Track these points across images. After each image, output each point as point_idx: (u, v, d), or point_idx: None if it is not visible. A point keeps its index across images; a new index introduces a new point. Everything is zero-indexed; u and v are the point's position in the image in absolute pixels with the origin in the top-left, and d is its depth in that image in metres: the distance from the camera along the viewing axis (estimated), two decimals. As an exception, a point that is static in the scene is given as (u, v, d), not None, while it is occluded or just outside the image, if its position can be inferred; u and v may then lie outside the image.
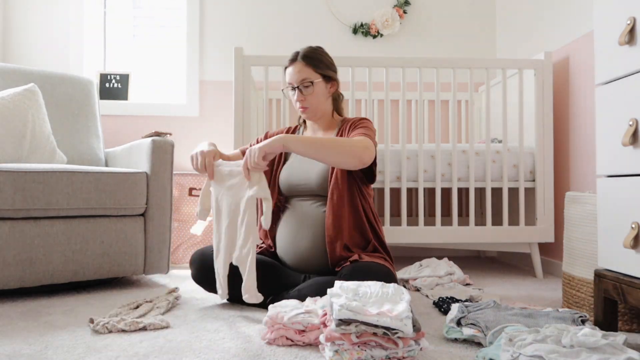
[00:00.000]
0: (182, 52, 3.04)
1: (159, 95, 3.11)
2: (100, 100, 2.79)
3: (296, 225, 1.65)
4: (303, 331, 1.23)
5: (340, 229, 1.57)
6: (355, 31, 3.01)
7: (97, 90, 2.59)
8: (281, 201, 1.75)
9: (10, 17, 2.93)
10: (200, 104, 3.00)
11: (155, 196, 2.00)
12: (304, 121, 1.84)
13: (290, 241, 1.64)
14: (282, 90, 1.74)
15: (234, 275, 1.51)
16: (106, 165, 2.45)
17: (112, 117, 2.93)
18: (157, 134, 2.10)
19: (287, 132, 1.83)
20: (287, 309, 1.28)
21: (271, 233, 1.71)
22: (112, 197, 1.88)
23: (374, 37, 3.01)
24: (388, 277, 1.44)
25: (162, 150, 2.03)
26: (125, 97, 2.98)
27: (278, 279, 1.60)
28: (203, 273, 1.65)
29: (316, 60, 1.69)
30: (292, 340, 1.23)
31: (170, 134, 2.15)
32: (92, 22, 3.02)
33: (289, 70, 1.70)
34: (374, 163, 1.63)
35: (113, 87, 2.98)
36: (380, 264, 1.52)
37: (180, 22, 3.07)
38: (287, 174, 1.71)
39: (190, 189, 2.66)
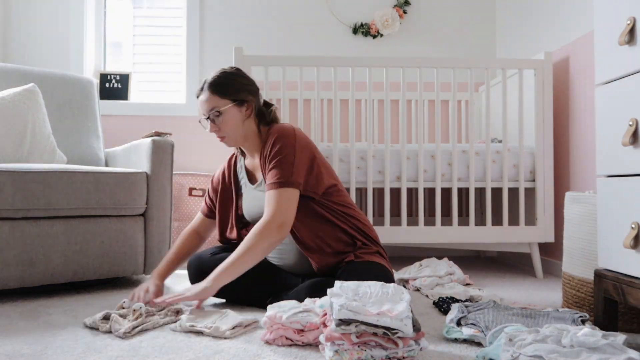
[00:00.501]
0: (182, 52, 3.04)
1: (159, 95, 3.11)
2: (100, 100, 2.79)
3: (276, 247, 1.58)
4: (302, 331, 1.23)
5: (315, 242, 1.53)
6: (355, 31, 3.01)
7: (97, 90, 2.59)
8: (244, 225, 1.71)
9: (10, 17, 2.93)
10: (200, 104, 2.99)
11: (155, 196, 2.00)
12: (239, 148, 1.74)
13: (278, 258, 1.64)
14: (199, 121, 1.64)
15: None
16: (106, 165, 2.45)
17: (112, 117, 2.93)
18: (157, 134, 2.10)
19: (229, 165, 1.76)
20: (285, 308, 1.28)
21: None
22: (112, 197, 1.88)
23: (374, 37, 3.01)
24: (384, 275, 1.44)
25: (162, 150, 2.03)
26: (125, 97, 2.98)
27: (276, 280, 1.60)
28: (201, 276, 1.62)
29: (223, 87, 1.58)
30: (291, 340, 1.23)
31: (170, 134, 2.15)
32: (92, 22, 3.02)
33: (199, 101, 1.62)
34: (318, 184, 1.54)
35: (113, 87, 2.98)
36: (376, 262, 1.51)
37: (180, 22, 3.07)
38: (246, 210, 1.66)
39: (190, 189, 2.67)
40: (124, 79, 3.00)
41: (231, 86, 1.60)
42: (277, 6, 3.03)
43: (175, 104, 3.00)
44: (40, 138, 2.06)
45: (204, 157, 2.98)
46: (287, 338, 1.23)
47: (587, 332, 1.05)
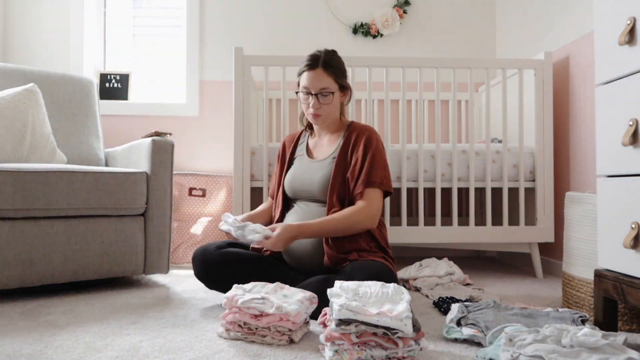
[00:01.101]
0: (182, 52, 3.04)
1: (159, 95, 3.11)
2: (100, 100, 2.79)
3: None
4: (259, 316, 1.25)
5: (337, 241, 1.59)
6: (355, 31, 3.01)
7: (97, 90, 2.59)
8: (286, 201, 1.78)
9: (10, 17, 2.93)
10: (200, 104, 3.00)
11: (155, 196, 2.00)
12: (309, 125, 1.84)
13: (293, 245, 1.64)
14: (297, 92, 1.71)
15: (235, 276, 1.52)
16: (106, 165, 2.45)
17: (112, 117, 2.93)
18: (157, 134, 2.10)
19: (296, 139, 1.87)
20: (243, 291, 1.31)
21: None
22: (112, 197, 1.88)
23: (374, 37, 3.01)
24: (388, 275, 1.44)
25: (162, 150, 2.03)
26: (125, 97, 2.98)
27: (277, 275, 1.60)
28: (205, 269, 1.64)
29: (337, 70, 1.67)
30: (245, 327, 1.25)
31: (170, 134, 2.15)
32: (92, 22, 3.02)
33: (308, 75, 1.66)
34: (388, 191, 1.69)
35: (113, 87, 2.98)
36: (380, 262, 1.52)
37: (180, 22, 3.07)
38: (291, 179, 1.75)
39: (190, 189, 2.66)
40: (124, 79, 3.00)
41: (341, 71, 1.70)
42: (277, 6, 3.02)
43: (175, 104, 3.00)
44: (40, 138, 2.06)
45: (204, 157, 2.98)
46: (240, 326, 1.26)
47: (587, 332, 1.05)
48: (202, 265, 1.65)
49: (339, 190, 1.63)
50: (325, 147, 1.77)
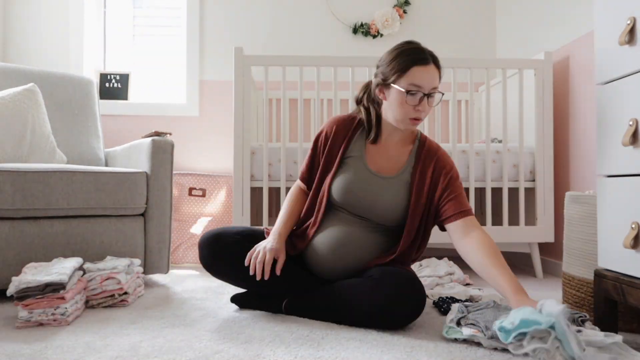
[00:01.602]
0: (182, 52, 3.04)
1: (159, 95, 3.11)
2: (100, 100, 2.79)
3: (341, 240, 1.47)
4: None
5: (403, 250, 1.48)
6: (355, 31, 3.01)
7: (97, 90, 2.59)
8: (328, 204, 1.53)
9: (10, 17, 2.93)
10: (200, 104, 3.00)
11: (155, 196, 2.00)
12: (375, 123, 1.53)
13: (327, 253, 1.48)
14: (407, 92, 1.40)
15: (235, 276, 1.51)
16: (106, 165, 2.45)
17: (112, 117, 2.93)
18: (157, 133, 2.10)
19: (351, 133, 1.55)
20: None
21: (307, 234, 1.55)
22: (112, 197, 1.88)
23: (374, 37, 3.01)
24: (414, 282, 1.39)
25: (162, 150, 2.03)
26: (125, 97, 2.98)
27: (295, 282, 1.51)
28: (218, 250, 1.50)
29: (440, 70, 1.47)
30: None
31: (170, 134, 2.15)
32: (92, 22, 3.02)
33: (423, 70, 1.40)
34: None
35: (113, 87, 2.98)
36: (408, 269, 1.48)
37: (180, 22, 3.07)
38: (345, 189, 1.48)
39: (190, 189, 2.67)
40: (124, 78, 3.00)
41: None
42: (277, 6, 3.03)
43: (175, 104, 3.00)
44: (40, 138, 2.06)
45: (204, 157, 2.98)
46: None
47: (590, 333, 1.06)
48: (216, 242, 1.51)
49: (421, 217, 1.48)
50: (393, 159, 1.52)
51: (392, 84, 1.43)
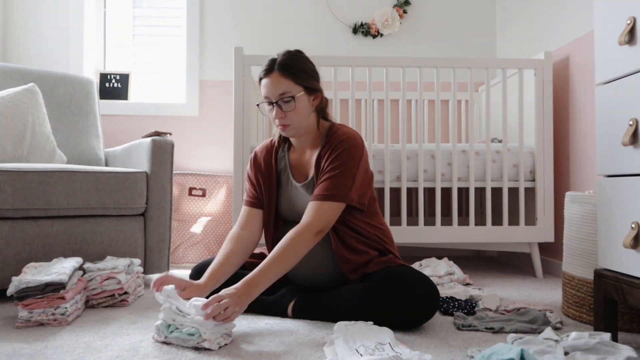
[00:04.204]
0: (182, 52, 3.04)
1: (159, 95, 3.11)
2: (100, 100, 2.79)
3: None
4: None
5: (348, 248, 1.49)
6: (355, 31, 3.01)
7: (97, 90, 2.59)
8: (279, 222, 1.59)
9: (10, 17, 2.93)
10: (200, 103, 3.00)
11: (155, 196, 2.00)
12: (285, 138, 1.61)
13: (296, 270, 1.49)
14: (257, 105, 1.50)
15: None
16: (106, 165, 2.45)
17: (112, 117, 2.93)
18: (157, 133, 2.10)
19: (270, 149, 1.62)
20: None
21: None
22: (112, 197, 1.88)
23: (374, 37, 3.01)
24: (426, 284, 1.39)
25: (162, 150, 2.03)
26: (125, 97, 2.98)
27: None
28: (201, 267, 1.60)
29: (297, 70, 1.45)
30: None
31: (170, 134, 2.15)
32: (92, 22, 3.02)
33: (265, 82, 1.46)
34: (364, 198, 1.50)
35: (113, 87, 2.98)
36: (414, 270, 1.46)
37: (180, 22, 3.07)
38: (289, 204, 1.56)
39: (190, 189, 2.67)
40: (124, 78, 3.00)
41: (304, 71, 1.48)
42: (277, 6, 3.02)
43: (175, 104, 3.00)
44: (40, 138, 2.06)
45: (204, 157, 2.98)
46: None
47: (575, 335, 1.06)
48: (200, 266, 1.60)
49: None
50: (306, 165, 1.57)
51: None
